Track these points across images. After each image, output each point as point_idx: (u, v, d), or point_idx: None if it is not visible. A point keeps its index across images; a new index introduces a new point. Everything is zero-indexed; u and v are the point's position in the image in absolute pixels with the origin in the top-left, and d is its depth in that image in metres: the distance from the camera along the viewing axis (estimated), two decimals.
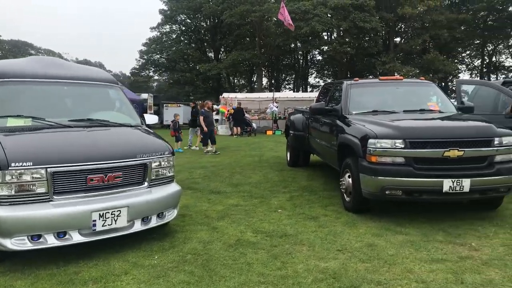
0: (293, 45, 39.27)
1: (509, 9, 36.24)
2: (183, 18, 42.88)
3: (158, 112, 31.79)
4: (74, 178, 3.73)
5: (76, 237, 3.67)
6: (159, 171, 4.37)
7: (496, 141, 4.74)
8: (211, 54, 44.84)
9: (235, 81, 53.41)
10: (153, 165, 4.27)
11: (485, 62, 43.25)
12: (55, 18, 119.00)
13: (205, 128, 12.66)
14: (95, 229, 3.73)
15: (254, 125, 21.31)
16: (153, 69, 47.16)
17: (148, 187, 4.23)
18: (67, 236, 3.63)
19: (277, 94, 26.50)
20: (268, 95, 25.92)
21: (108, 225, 3.81)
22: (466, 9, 36.37)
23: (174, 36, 44.59)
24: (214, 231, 4.68)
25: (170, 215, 4.45)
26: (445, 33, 30.31)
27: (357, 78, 6.65)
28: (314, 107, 6.53)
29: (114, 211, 3.84)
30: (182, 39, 44.67)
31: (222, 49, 44.83)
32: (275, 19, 28.98)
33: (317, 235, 4.45)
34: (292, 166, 9.55)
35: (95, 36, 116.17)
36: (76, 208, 3.62)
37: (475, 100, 7.96)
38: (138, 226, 4.09)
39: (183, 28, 44.12)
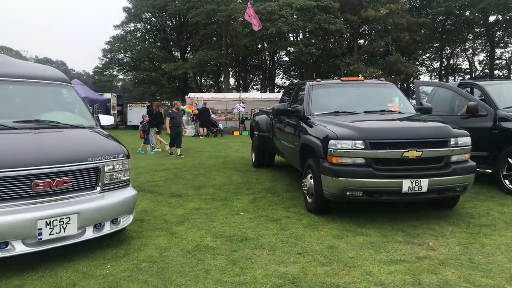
0: (260, 45, 39.34)
1: (466, 14, 37.93)
2: (148, 17, 42.03)
3: (122, 112, 30.99)
4: (17, 184, 3.46)
5: (19, 248, 3.41)
6: (113, 175, 4.16)
7: (452, 141, 4.84)
8: (178, 54, 44.18)
9: (202, 81, 53.00)
10: (106, 168, 4.06)
11: (443, 65, 45.06)
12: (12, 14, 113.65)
13: (169, 130, 12.28)
14: (41, 238, 3.48)
15: (220, 125, 21.12)
16: (117, 68, 45.92)
17: (100, 192, 4.00)
18: (8, 247, 3.37)
19: (244, 95, 26.47)
20: (234, 95, 25.82)
21: (56, 233, 3.57)
22: (426, 13, 37.74)
23: (139, 34, 43.61)
24: (173, 236, 4.51)
25: (126, 221, 4.25)
26: (406, 35, 31.28)
27: (319, 79, 6.65)
28: (276, 108, 6.48)
29: (63, 218, 3.60)
30: (147, 37, 43.79)
31: (189, 49, 44.31)
32: (242, 19, 28.91)
33: (278, 238, 4.38)
34: (257, 167, 9.48)
35: (59, 34, 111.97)
36: (19, 216, 3.37)
37: (434, 101, 8.17)
38: (89, 234, 3.86)
39: (148, 26, 43.24)
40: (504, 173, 6.46)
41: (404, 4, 32.01)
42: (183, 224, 4.99)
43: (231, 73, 51.66)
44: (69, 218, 3.64)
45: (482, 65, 45.03)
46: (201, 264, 3.70)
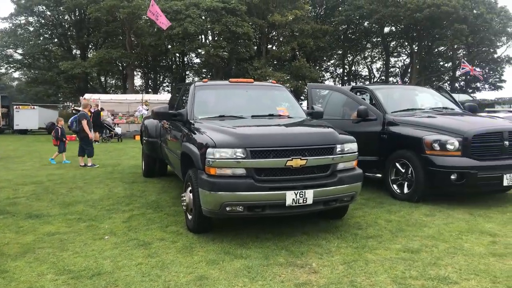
0: (170, 46, 37.85)
1: (365, 24, 40.68)
2: (42, 10, 38.00)
3: (8, 115, 27.47)
4: None
5: None
6: None
7: (338, 148, 4.50)
8: (78, 52, 40.63)
9: (108, 81, 49.74)
10: None
11: (346, 71, 47.93)
12: None
13: (91, 135, 10.63)
14: None
15: (118, 129, 19.47)
16: (5, 66, 40.77)
17: None
18: None
19: (149, 96, 25.02)
20: (136, 96, 24.25)
21: None
22: (330, 21, 39.65)
23: (31, 29, 39.25)
24: (0, 277, 3.48)
25: None
26: (311, 41, 32.35)
27: (206, 79, 6.01)
28: (156, 111, 5.68)
29: None
30: (42, 32, 39.61)
31: (92, 46, 41.01)
32: (146, 17, 27.37)
33: (140, 270, 3.60)
34: (147, 176, 8.57)
35: None
36: None
37: (329, 105, 8.05)
38: None
39: (43, 21, 39.11)
40: (392, 177, 6.44)
41: (308, 11, 33.08)
42: (24, 256, 3.96)
43: (139, 73, 49.21)
44: None
45: (379, 72, 48.82)
46: None
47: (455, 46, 38.11)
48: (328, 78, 48.23)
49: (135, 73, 48.11)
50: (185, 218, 4.96)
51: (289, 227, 4.81)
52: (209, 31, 32.66)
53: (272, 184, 4.17)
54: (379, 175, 6.77)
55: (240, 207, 4.16)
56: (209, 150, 4.17)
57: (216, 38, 32.39)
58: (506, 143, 5.81)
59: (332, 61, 48.10)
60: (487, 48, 39.30)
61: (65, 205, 6.10)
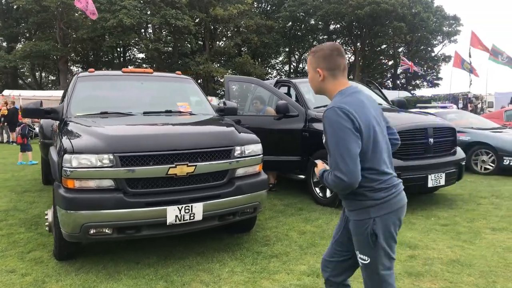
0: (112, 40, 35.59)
1: (311, 22, 40.77)
2: None
3: None
4: None
5: None
6: None
7: (237, 150, 3.75)
8: (5, 44, 37.22)
9: (48, 77, 46.48)
10: None
11: (292, 68, 47.98)
12: None
13: None
14: None
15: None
16: None
17: None
18: None
19: None
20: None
21: None
22: (275, 17, 39.32)
23: None
24: None
25: None
26: (255, 37, 31.70)
27: (92, 69, 5.03)
28: (25, 107, 4.62)
29: None
30: None
31: (21, 39, 37.70)
32: (78, 7, 25.35)
33: None
34: (46, 184, 7.40)
35: None
36: None
37: (253, 100, 7.34)
38: None
39: None
40: (314, 180, 5.82)
41: (252, 5, 32.37)
42: None
43: (79, 69, 46.18)
44: None
45: None
46: None
47: (396, 45, 39.20)
48: (275, 75, 48.04)
49: (75, 68, 45.35)
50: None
51: (183, 247, 4.00)
52: (149, 25, 30.99)
53: (149, 198, 3.33)
54: (302, 176, 6.16)
55: (108, 228, 3.28)
56: (66, 156, 3.25)
57: (156, 32, 30.81)
58: (431, 140, 5.36)
59: (280, 58, 47.94)
60: (425, 47, 40.79)
61: None
